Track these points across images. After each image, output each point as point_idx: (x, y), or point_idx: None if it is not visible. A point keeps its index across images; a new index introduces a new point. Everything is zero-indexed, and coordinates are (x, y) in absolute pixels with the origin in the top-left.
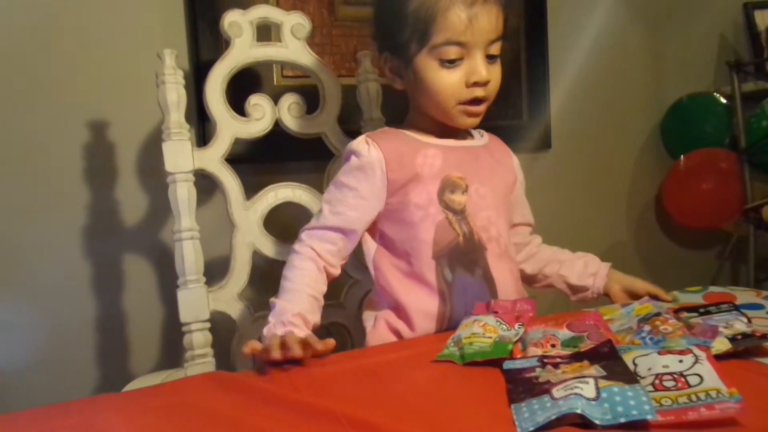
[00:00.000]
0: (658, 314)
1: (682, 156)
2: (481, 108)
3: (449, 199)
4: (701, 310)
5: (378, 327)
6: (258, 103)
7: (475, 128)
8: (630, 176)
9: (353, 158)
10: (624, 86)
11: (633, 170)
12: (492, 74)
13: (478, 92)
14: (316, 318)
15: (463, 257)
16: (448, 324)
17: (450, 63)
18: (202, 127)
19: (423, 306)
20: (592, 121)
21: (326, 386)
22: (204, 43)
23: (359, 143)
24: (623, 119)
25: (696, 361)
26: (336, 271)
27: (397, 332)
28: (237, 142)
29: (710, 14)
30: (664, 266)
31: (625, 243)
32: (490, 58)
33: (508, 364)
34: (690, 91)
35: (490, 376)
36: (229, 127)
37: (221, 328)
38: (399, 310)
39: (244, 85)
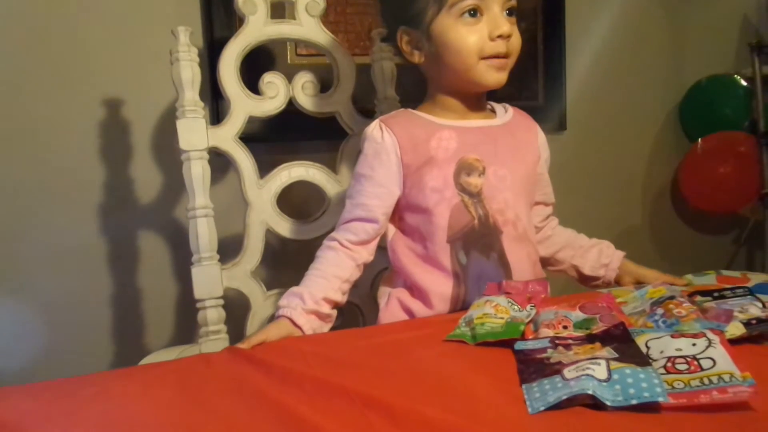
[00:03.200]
0: (671, 297)
1: (699, 139)
2: (506, 61)
3: (465, 181)
4: (715, 294)
5: (390, 305)
6: (272, 81)
7: (499, 103)
8: (646, 159)
9: (367, 145)
10: (642, 67)
11: (649, 153)
12: (513, 29)
13: (501, 47)
14: (323, 293)
15: (478, 240)
16: (462, 306)
17: (471, 15)
18: (216, 105)
19: (437, 288)
20: (608, 103)
21: (339, 363)
22: (218, 21)
23: (373, 129)
24: (640, 101)
25: (709, 345)
26: (360, 257)
27: (409, 311)
28: (251, 120)
29: None
30: (679, 251)
31: (640, 227)
32: (508, 14)
33: (519, 345)
34: (710, 73)
35: (501, 356)
36: (243, 106)
37: (235, 305)
38: (413, 290)
39: (258, 63)
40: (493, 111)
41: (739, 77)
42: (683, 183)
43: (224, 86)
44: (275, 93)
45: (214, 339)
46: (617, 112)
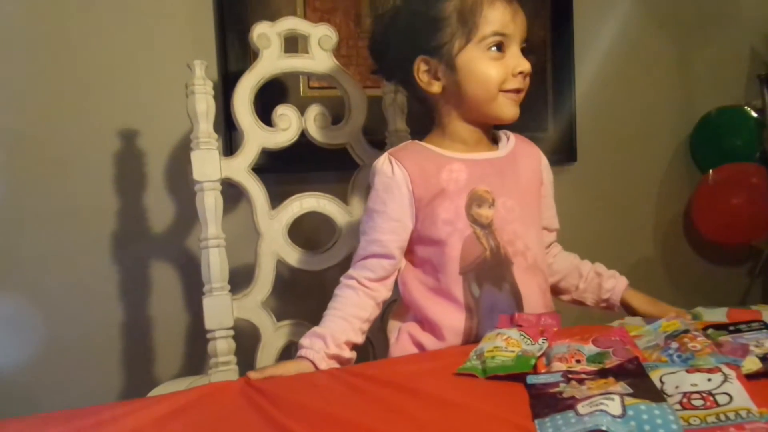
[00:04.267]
0: (686, 331)
1: (711, 170)
2: (521, 97)
3: (476, 213)
4: (731, 327)
5: (401, 339)
6: (284, 113)
7: (501, 129)
8: (657, 190)
9: (377, 180)
10: (651, 99)
11: (660, 184)
12: (530, 65)
13: (520, 83)
14: (345, 336)
15: (490, 272)
16: (474, 339)
17: (498, 51)
18: (230, 137)
19: (449, 321)
20: (618, 134)
21: (350, 398)
22: (233, 54)
23: (383, 164)
24: (651, 132)
25: (725, 380)
26: (380, 295)
27: (420, 345)
28: (263, 151)
29: (740, 27)
30: (692, 283)
31: (652, 259)
32: (522, 53)
33: (531, 379)
34: (719, 105)
35: (512, 390)
36: (256, 137)
37: (245, 335)
38: (424, 324)
39: (271, 95)
40: (495, 141)
41: (748, 108)
42: (695, 214)
43: (238, 118)
44: (288, 125)
45: (224, 370)
46: (627, 143)
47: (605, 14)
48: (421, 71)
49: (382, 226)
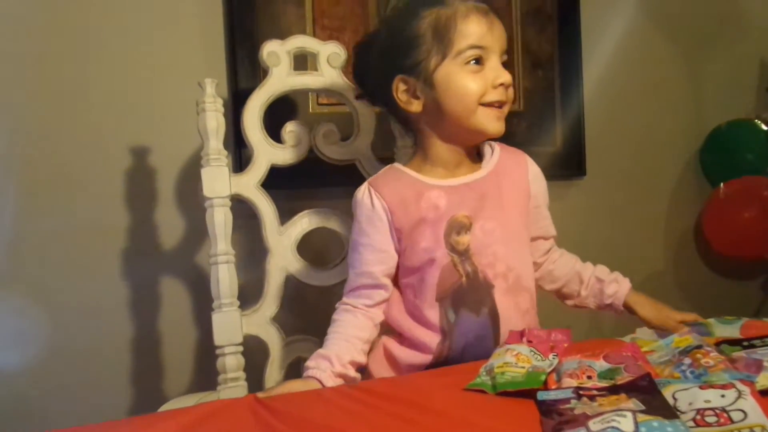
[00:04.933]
0: (699, 347)
1: (721, 184)
2: (504, 112)
3: (455, 240)
4: (744, 343)
5: (375, 353)
6: (293, 130)
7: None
8: (667, 204)
9: (359, 212)
10: (661, 112)
11: (671, 198)
12: (510, 77)
13: (501, 95)
14: (349, 356)
15: (467, 297)
16: (444, 361)
17: (476, 63)
18: (239, 153)
19: (423, 339)
20: (627, 148)
21: (359, 414)
22: (243, 72)
23: (362, 195)
24: (660, 146)
25: (739, 396)
26: (377, 317)
27: (392, 358)
28: (272, 168)
29: (750, 40)
30: (704, 297)
31: (664, 273)
32: (503, 66)
33: (542, 395)
34: (730, 118)
35: (523, 406)
36: (266, 154)
37: (254, 351)
38: (402, 339)
39: (281, 112)
40: (480, 155)
41: (759, 122)
42: (707, 228)
43: (248, 135)
44: (296, 141)
45: (232, 386)
46: (637, 157)
47: (613, 28)
48: (399, 91)
49: (368, 258)
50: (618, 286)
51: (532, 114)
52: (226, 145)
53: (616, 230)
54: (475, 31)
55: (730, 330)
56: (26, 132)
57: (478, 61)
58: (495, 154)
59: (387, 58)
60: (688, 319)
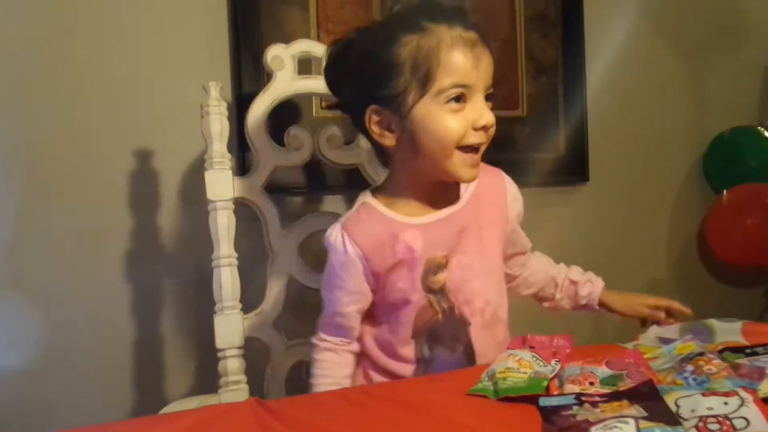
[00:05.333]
0: (701, 354)
1: (725, 191)
2: (479, 156)
3: (431, 281)
4: (747, 350)
5: (357, 373)
6: (297, 134)
7: None
8: (671, 211)
9: (332, 255)
10: (664, 119)
11: (674, 205)
12: (493, 118)
13: (482, 138)
14: None
15: (443, 334)
16: None
17: (457, 103)
18: (243, 157)
19: (397, 372)
20: (631, 154)
21: (361, 419)
22: (247, 76)
23: (335, 240)
24: (664, 152)
25: (742, 404)
26: (355, 348)
27: (369, 378)
28: (275, 171)
29: (754, 47)
30: (707, 305)
31: (666, 280)
32: (486, 100)
33: (544, 401)
34: (733, 125)
35: (525, 412)
36: (269, 157)
37: (255, 354)
38: (377, 367)
39: (284, 116)
40: (455, 190)
41: (762, 129)
42: (710, 235)
43: (251, 139)
44: (300, 145)
45: (234, 389)
46: (640, 163)
47: (616, 34)
48: (372, 122)
49: (343, 299)
50: (592, 287)
51: (536, 119)
52: (229, 149)
53: (618, 236)
54: (460, 67)
55: (731, 330)
56: (29, 134)
57: (460, 98)
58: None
59: (360, 84)
60: (662, 304)
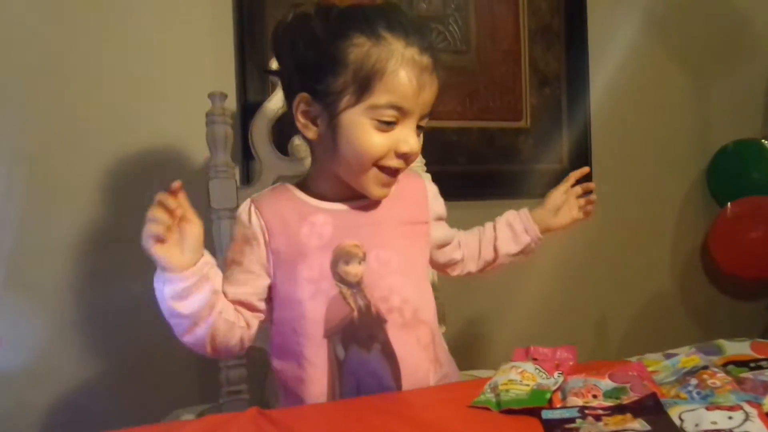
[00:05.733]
0: (705, 367)
1: (728, 203)
2: (395, 179)
3: (344, 271)
4: (752, 364)
5: (272, 383)
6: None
7: None
8: (674, 223)
9: (236, 229)
10: (668, 132)
11: (677, 217)
12: (418, 147)
13: (400, 164)
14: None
15: (358, 333)
16: (337, 398)
17: (386, 125)
18: (247, 166)
19: (311, 386)
20: (634, 167)
21: (362, 429)
22: (252, 85)
23: (243, 210)
24: (667, 165)
25: (747, 419)
26: (243, 322)
27: (288, 391)
28: (279, 180)
29: (757, 60)
30: (711, 317)
31: (669, 292)
32: (418, 129)
33: (547, 414)
34: (736, 137)
35: (527, 424)
36: (273, 167)
37: (256, 363)
38: (287, 390)
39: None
40: None
41: (766, 141)
42: (713, 248)
43: (256, 148)
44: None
45: (235, 399)
46: (643, 176)
47: (620, 46)
48: (300, 110)
49: (238, 276)
50: (521, 217)
51: (539, 131)
52: (233, 158)
53: (622, 249)
54: (401, 90)
55: (740, 348)
56: (33, 138)
57: (390, 124)
58: None
59: (300, 67)
60: (569, 182)
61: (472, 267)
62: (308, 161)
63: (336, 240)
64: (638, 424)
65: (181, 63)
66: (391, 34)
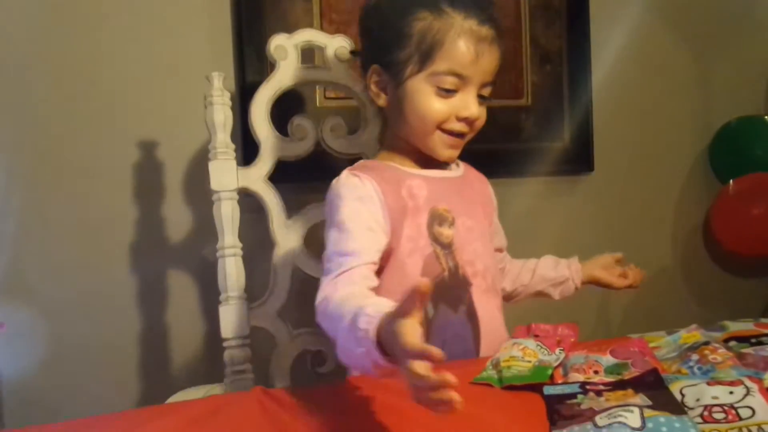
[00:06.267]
0: (706, 343)
1: (731, 180)
2: (462, 141)
3: (438, 231)
4: (753, 340)
5: None
6: (300, 123)
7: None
8: (676, 201)
9: (345, 192)
10: (670, 108)
11: (679, 195)
12: (481, 113)
13: (463, 128)
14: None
15: (447, 293)
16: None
17: (446, 92)
18: (246, 147)
19: None
20: (636, 144)
21: (367, 408)
22: (250, 66)
23: (347, 178)
24: (669, 142)
25: (747, 393)
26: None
27: None
28: (279, 161)
29: (760, 36)
30: (713, 295)
31: (672, 270)
32: (480, 98)
33: (548, 390)
34: (739, 114)
35: (529, 400)
36: (273, 148)
37: (261, 344)
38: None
39: (288, 106)
40: (447, 165)
41: None
42: (715, 225)
43: (255, 129)
44: (304, 135)
45: (239, 378)
46: (645, 153)
47: (622, 23)
48: (372, 80)
49: (356, 235)
50: (568, 260)
51: (540, 109)
52: (233, 139)
53: (623, 227)
54: (461, 57)
55: (743, 325)
56: (33, 126)
57: (450, 91)
58: (460, 166)
59: (372, 42)
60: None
61: (507, 284)
62: (310, 141)
63: (430, 202)
64: (639, 399)
65: (179, 44)
66: (452, 8)
